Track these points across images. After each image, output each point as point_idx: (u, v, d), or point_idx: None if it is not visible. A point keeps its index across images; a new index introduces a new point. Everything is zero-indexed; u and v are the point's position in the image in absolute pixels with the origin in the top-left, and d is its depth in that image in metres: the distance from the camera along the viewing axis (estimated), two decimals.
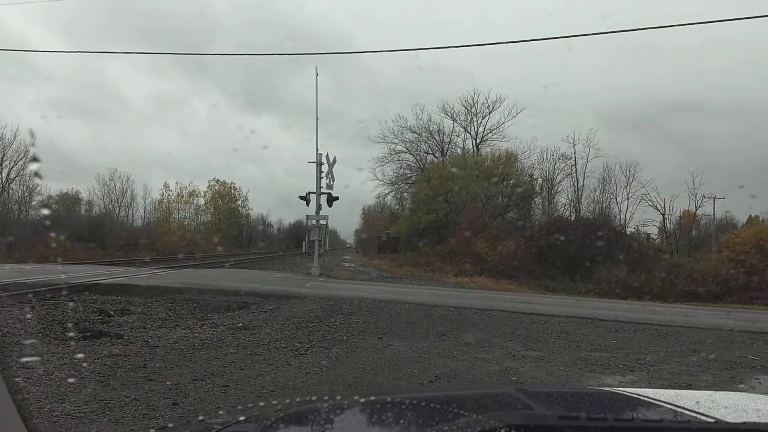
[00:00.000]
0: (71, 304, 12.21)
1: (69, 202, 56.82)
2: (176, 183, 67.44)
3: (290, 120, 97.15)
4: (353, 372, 7.12)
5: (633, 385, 7.06)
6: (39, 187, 43.78)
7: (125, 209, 62.14)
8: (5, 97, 67.49)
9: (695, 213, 43.19)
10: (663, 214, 42.30)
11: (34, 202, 44.23)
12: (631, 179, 43.53)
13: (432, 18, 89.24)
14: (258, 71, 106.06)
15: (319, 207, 24.28)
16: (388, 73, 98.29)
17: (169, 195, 66.83)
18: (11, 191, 40.23)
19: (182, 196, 67.55)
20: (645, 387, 7.07)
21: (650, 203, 42.51)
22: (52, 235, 35.54)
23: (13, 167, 39.62)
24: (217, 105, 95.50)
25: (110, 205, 60.00)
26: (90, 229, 42.87)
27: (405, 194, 55.59)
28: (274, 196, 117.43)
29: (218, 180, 70.07)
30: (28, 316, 10.36)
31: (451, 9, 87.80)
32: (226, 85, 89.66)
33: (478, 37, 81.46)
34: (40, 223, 38.72)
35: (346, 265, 39.85)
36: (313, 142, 24.52)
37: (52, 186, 60.82)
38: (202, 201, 69.42)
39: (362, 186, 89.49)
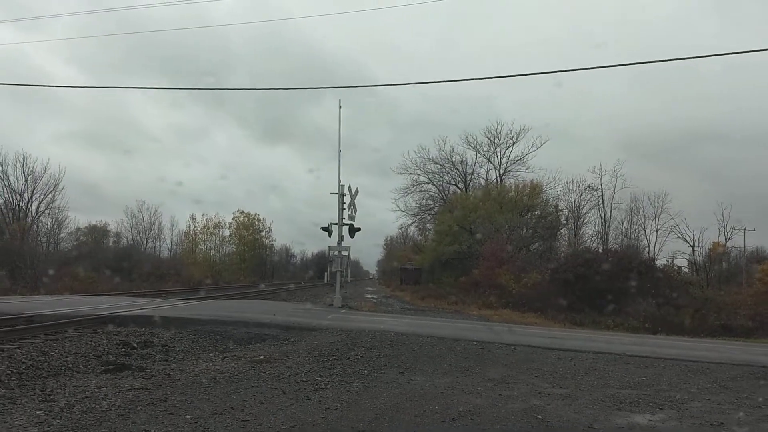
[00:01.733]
0: (95, 336, 12.29)
1: (97, 234, 57.64)
2: (202, 215, 68.04)
3: (308, 150, 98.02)
4: (374, 408, 7.01)
5: (663, 423, 6.84)
6: (68, 220, 44.45)
7: (153, 240, 62.92)
8: (32, 131, 69.15)
9: (725, 245, 42.40)
10: (692, 247, 41.60)
11: (62, 235, 44.90)
12: (659, 211, 43.02)
13: (450, 46, 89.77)
14: (274, 101, 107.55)
15: (341, 238, 24.31)
16: (405, 101, 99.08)
17: (195, 226, 67.51)
18: (41, 224, 40.88)
19: (208, 228, 68.16)
20: (675, 425, 6.85)
21: (679, 235, 41.87)
22: (79, 267, 36.10)
23: (42, 200, 40.32)
24: (234, 136, 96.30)
25: (138, 237, 60.81)
26: (117, 261, 43.39)
27: (428, 225, 55.51)
28: (295, 227, 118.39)
29: (242, 211, 70.71)
30: (53, 348, 10.41)
31: (468, 37, 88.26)
32: (243, 116, 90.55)
33: (496, 64, 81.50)
34: (68, 256, 39.31)
35: (369, 296, 39.71)
36: (332, 173, 24.76)
37: (80, 218, 62.03)
38: (227, 232, 69.93)
39: (385, 217, 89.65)
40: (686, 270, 40.90)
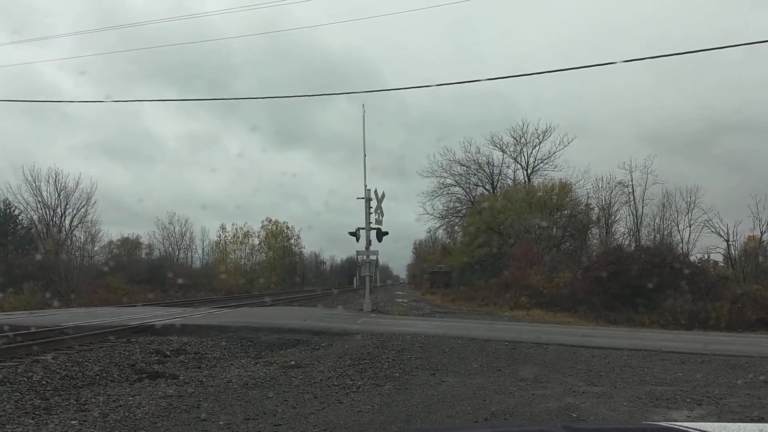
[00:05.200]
0: (128, 345, 12.44)
1: (130, 246, 58.56)
2: (232, 224, 68.67)
3: (323, 153, 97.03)
4: (405, 410, 6.96)
5: (701, 419, 6.67)
6: (101, 234, 45.17)
7: (184, 251, 63.71)
8: (53, 148, 69.96)
9: (761, 238, 41.40)
10: (727, 241, 40.65)
11: (96, 248, 45.63)
12: (692, 205, 42.03)
13: (462, 44, 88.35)
14: (285, 106, 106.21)
15: (369, 242, 24.30)
16: (416, 101, 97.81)
17: (225, 236, 68.20)
18: (74, 238, 41.59)
19: (237, 237, 68.80)
20: (714, 421, 6.68)
21: (713, 229, 40.95)
22: (113, 279, 36.68)
23: (75, 215, 41.04)
24: (249, 142, 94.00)
25: (170, 248, 61.63)
26: (150, 272, 43.98)
27: (456, 227, 55.16)
28: (319, 233, 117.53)
29: (271, 219, 71.19)
30: (87, 358, 10.56)
31: (483, 33, 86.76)
32: (255, 122, 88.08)
33: (512, 62, 79.45)
34: (102, 268, 39.94)
35: (399, 300, 39.64)
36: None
37: (107, 230, 62.87)
38: (256, 241, 70.47)
39: (409, 220, 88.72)
40: (722, 264, 40.05)
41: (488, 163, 50.79)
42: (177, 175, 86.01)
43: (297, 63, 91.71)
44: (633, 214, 43.05)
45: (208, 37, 65.96)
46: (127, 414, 6.71)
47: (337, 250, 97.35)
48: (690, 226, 42.07)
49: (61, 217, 40.56)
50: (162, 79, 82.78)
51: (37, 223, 40.64)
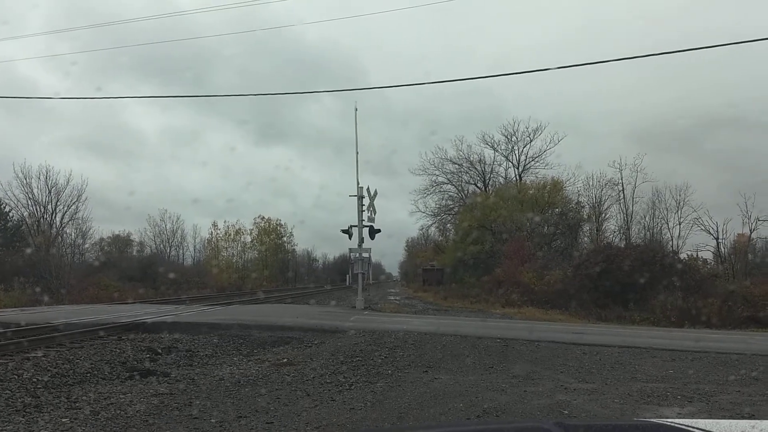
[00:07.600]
0: (120, 343, 12.40)
1: (121, 243, 58.31)
2: (224, 221, 68.38)
3: (311, 151, 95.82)
4: (398, 407, 6.97)
5: (692, 416, 6.71)
6: (91, 231, 44.90)
7: (176, 249, 63.52)
8: (40, 142, 69.11)
9: (750, 236, 41.64)
10: (717, 239, 40.87)
11: (86, 245, 45.35)
12: (681, 203, 42.22)
13: (451, 40, 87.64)
14: (269, 100, 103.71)
15: (361, 240, 24.28)
16: (404, 96, 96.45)
17: (217, 234, 67.98)
18: (65, 235, 41.32)
19: (230, 234, 68.58)
20: (705, 418, 6.70)
21: (702, 227, 41.17)
22: (104, 276, 36.52)
23: (66, 211, 40.73)
24: (233, 138, 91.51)
25: (161, 245, 61.43)
26: (141, 269, 43.81)
27: (448, 225, 55.27)
28: (313, 231, 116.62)
29: (263, 217, 70.98)
30: (78, 356, 10.52)
31: (471, 30, 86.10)
32: (238, 117, 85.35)
33: (500, 59, 78.45)
34: (93, 266, 39.74)
35: (391, 298, 39.68)
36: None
37: (103, 228, 62.54)
38: (248, 238, 70.25)
39: (400, 217, 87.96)
40: (711, 262, 40.28)
41: (480, 161, 50.95)
42: (163, 172, 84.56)
43: (277, 56, 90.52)
44: (623, 212, 43.27)
45: (185, 28, 65.07)
46: (118, 412, 6.69)
47: (330, 248, 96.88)
48: (680, 224, 42.27)
49: (52, 214, 40.29)
50: (141, 74, 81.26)
51: (27, 219, 40.40)
